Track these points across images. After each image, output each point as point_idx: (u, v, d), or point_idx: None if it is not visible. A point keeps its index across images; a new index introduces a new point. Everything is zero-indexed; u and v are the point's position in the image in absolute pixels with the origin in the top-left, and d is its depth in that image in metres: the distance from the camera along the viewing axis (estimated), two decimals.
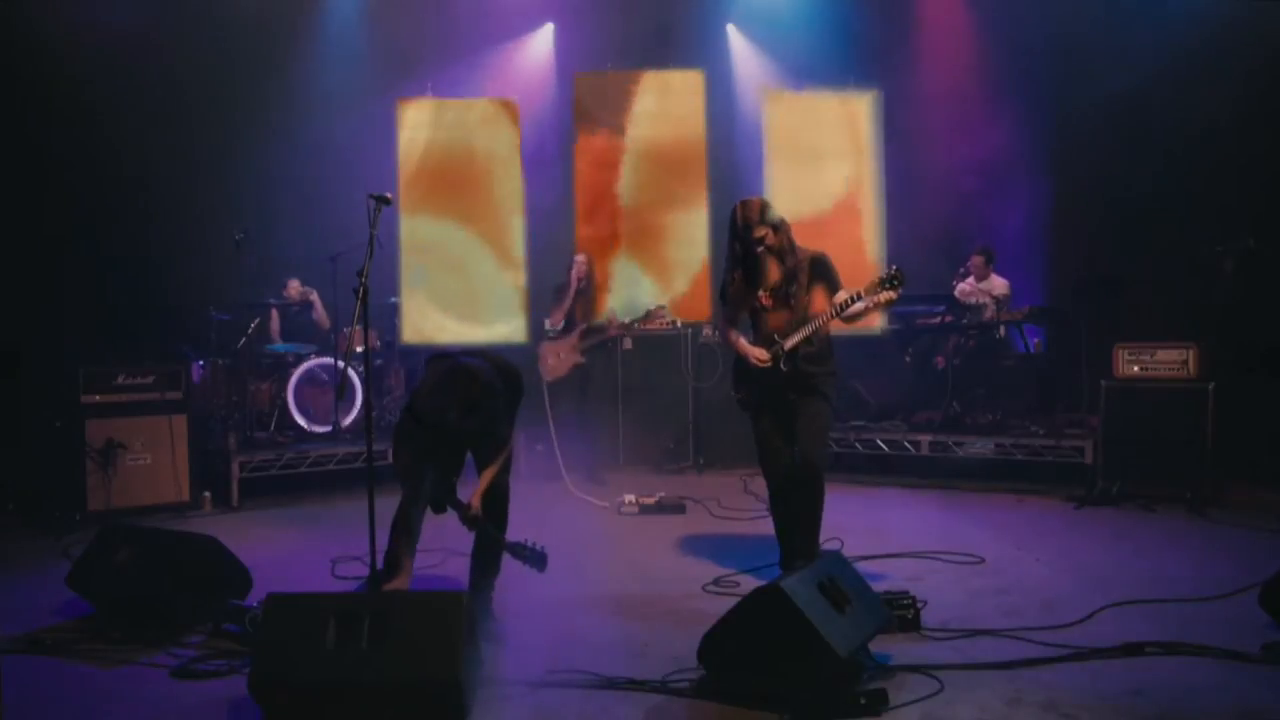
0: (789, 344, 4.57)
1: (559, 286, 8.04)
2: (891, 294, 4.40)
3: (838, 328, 4.61)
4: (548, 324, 8.11)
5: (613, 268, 9.09)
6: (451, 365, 4.25)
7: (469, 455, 4.41)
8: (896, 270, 4.41)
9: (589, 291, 8.03)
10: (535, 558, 4.30)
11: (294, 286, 8.36)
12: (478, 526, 4.23)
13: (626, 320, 7.93)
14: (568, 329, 7.83)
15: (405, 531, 4.13)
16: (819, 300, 4.59)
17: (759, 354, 4.64)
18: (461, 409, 4.07)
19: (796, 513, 4.70)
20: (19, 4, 7.50)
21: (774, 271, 4.65)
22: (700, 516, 6.61)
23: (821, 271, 4.62)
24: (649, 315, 7.76)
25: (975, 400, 7.87)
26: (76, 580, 4.52)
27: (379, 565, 4.12)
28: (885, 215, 8.90)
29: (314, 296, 8.42)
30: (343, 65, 8.93)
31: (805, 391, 4.63)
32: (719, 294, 4.98)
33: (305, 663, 3.26)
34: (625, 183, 9.22)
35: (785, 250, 4.61)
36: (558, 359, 7.67)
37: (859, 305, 4.44)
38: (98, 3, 7.73)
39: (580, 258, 8.04)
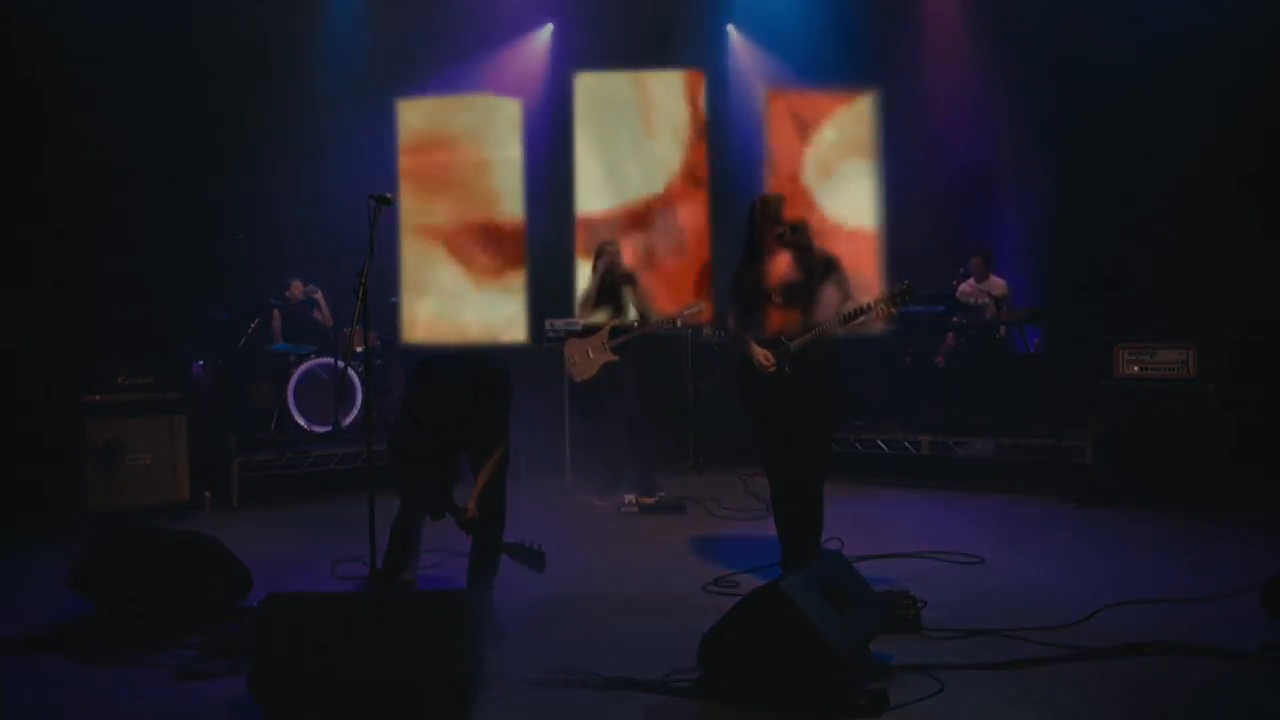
0: (795, 346, 4.58)
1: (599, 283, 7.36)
2: (897, 308, 4.44)
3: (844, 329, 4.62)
4: (548, 324, 8.07)
5: None
6: (437, 375, 4.27)
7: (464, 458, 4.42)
8: (908, 285, 4.43)
9: (619, 284, 7.33)
10: (533, 558, 4.31)
11: (296, 287, 8.36)
12: (475, 531, 4.24)
13: (668, 317, 7.43)
14: (598, 326, 7.33)
15: (403, 544, 4.16)
16: (828, 302, 4.59)
17: (764, 358, 4.63)
18: (452, 419, 4.10)
19: (797, 518, 4.71)
20: (20, 3, 7.50)
21: (787, 270, 4.65)
22: (700, 516, 6.61)
23: (833, 274, 4.63)
24: (686, 313, 7.47)
25: (975, 400, 7.87)
26: (76, 580, 4.51)
27: (379, 566, 4.12)
28: (885, 215, 8.90)
29: (318, 295, 8.42)
30: (343, 65, 8.93)
31: (807, 396, 4.63)
32: (729, 289, 4.97)
33: (305, 663, 3.26)
34: (625, 182, 9.23)
35: (801, 249, 4.61)
36: (585, 357, 7.27)
37: (863, 318, 4.47)
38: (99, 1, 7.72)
39: (610, 248, 7.37)
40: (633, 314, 7.28)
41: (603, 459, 7.25)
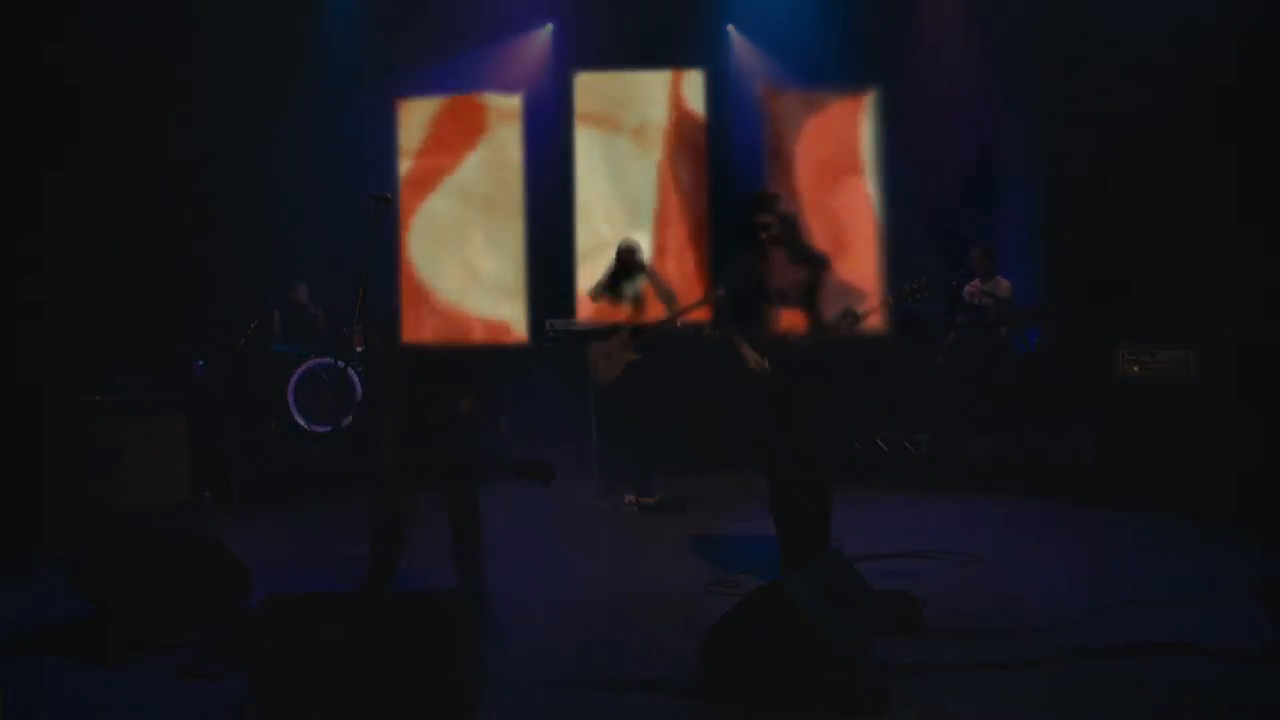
0: (795, 347, 4.58)
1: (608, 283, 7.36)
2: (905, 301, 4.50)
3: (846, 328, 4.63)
4: (548, 324, 8.05)
5: None
6: (418, 378, 4.32)
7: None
8: (921, 283, 4.47)
9: (633, 284, 7.25)
10: (540, 470, 4.23)
11: (302, 291, 8.35)
12: (475, 424, 4.23)
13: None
14: (617, 327, 7.25)
15: (393, 543, 4.21)
16: (823, 304, 4.60)
17: (754, 361, 4.63)
18: (436, 418, 4.16)
19: (796, 518, 4.71)
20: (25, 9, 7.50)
21: (782, 270, 4.64)
22: (700, 516, 6.60)
23: (824, 275, 4.64)
24: (713, 295, 7.37)
25: (975, 400, 7.87)
26: (76, 580, 4.51)
27: (371, 569, 4.15)
28: (885, 215, 8.89)
29: (319, 312, 8.43)
30: (343, 65, 8.94)
31: (808, 396, 4.63)
32: (728, 289, 4.97)
33: (305, 663, 3.26)
34: (624, 183, 9.23)
35: (794, 247, 4.61)
36: (609, 359, 7.21)
37: (861, 323, 4.50)
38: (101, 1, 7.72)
39: (622, 247, 7.27)
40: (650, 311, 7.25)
41: (626, 459, 7.23)
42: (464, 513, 4.29)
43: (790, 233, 4.59)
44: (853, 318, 4.51)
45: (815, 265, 4.62)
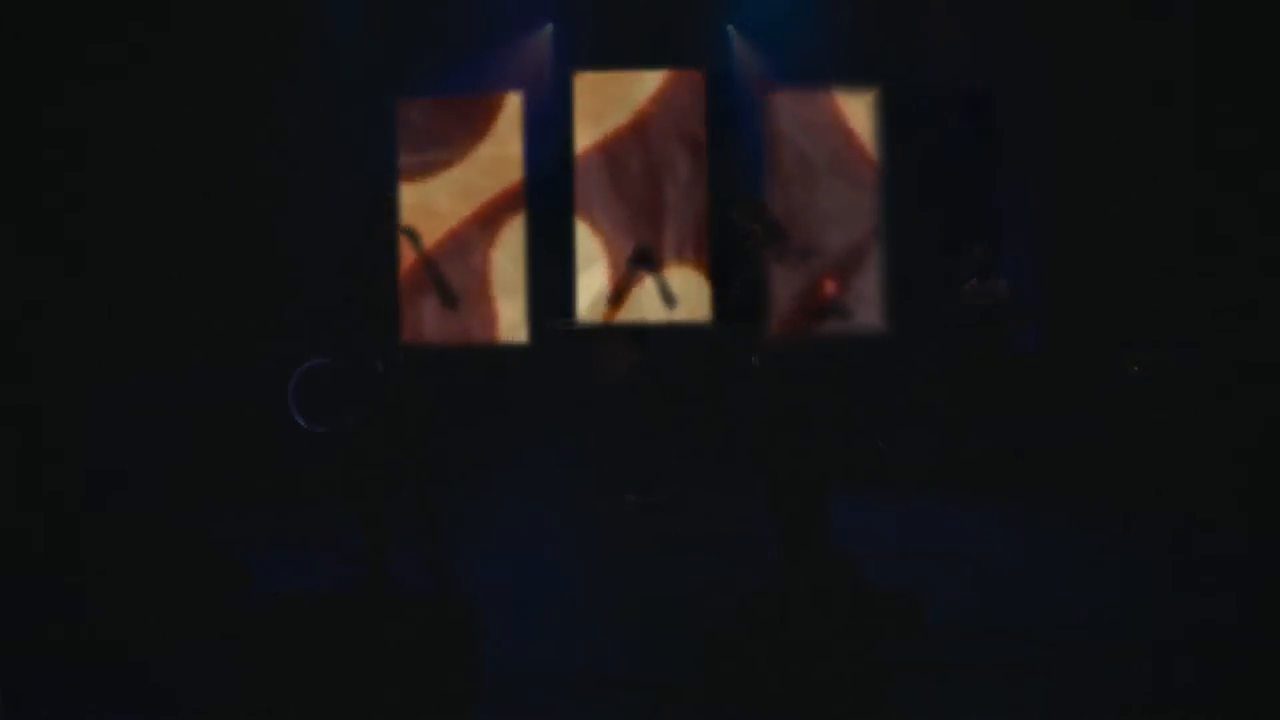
0: (786, 347, 4.58)
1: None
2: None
3: (841, 325, 4.63)
4: (546, 324, 8.03)
5: None
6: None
7: None
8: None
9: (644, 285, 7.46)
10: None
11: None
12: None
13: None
14: (625, 326, 7.39)
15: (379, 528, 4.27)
16: (816, 297, 4.61)
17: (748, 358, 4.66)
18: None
19: (800, 513, 4.71)
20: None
21: (772, 271, 4.64)
22: (700, 516, 6.60)
23: (812, 269, 4.65)
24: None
25: (976, 400, 7.86)
26: (77, 580, 4.52)
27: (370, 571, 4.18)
28: (885, 215, 8.86)
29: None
30: (343, 65, 8.92)
31: (803, 393, 4.64)
32: (724, 290, 4.98)
33: (307, 664, 3.26)
34: (624, 182, 9.21)
35: (779, 248, 4.61)
36: (613, 359, 7.34)
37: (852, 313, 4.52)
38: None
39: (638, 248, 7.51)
40: (655, 310, 7.22)
41: (627, 459, 7.22)
42: (427, 510, 4.33)
43: (774, 235, 4.61)
44: (844, 310, 4.51)
45: (803, 261, 4.62)
